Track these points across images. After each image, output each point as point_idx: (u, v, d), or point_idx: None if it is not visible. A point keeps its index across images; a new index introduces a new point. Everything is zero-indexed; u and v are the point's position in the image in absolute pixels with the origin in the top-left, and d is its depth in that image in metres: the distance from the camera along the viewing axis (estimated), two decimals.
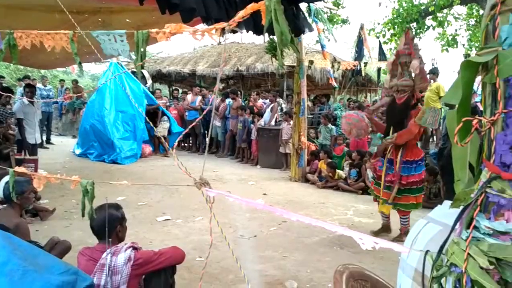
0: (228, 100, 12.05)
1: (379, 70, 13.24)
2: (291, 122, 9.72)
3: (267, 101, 11.73)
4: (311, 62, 11.11)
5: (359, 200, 7.62)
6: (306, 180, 9.15)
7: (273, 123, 10.97)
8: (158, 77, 16.88)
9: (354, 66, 11.93)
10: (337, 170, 8.68)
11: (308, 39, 23.85)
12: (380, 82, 13.71)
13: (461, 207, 1.32)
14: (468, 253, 1.21)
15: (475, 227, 1.23)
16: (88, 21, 5.91)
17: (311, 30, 8.47)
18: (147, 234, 5.14)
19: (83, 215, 2.35)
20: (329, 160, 8.84)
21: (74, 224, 5.42)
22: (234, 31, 5.63)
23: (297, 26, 7.84)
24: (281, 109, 11.21)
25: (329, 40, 13.04)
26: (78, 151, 11.26)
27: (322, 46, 9.50)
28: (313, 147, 9.86)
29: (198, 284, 2.64)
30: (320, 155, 9.19)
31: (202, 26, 3.25)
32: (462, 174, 1.41)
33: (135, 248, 2.70)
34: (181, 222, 5.77)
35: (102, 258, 2.56)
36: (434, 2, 14.05)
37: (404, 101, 4.88)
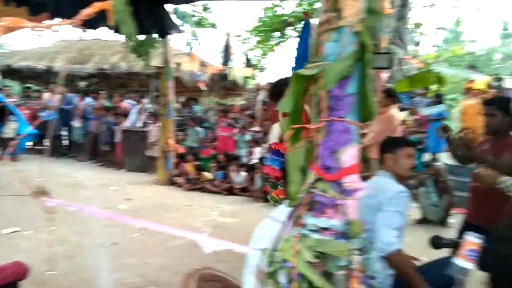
0: (89, 100, 11.33)
1: (245, 76, 13.75)
2: (159, 124, 9.54)
3: (133, 101, 11.33)
4: (178, 64, 11.04)
5: (225, 201, 7.80)
6: (173, 183, 9.05)
7: (140, 124, 10.63)
8: (9, 72, 15.06)
9: (221, 70, 12.21)
10: (204, 172, 8.78)
11: (177, 41, 23.66)
12: (246, 87, 14.24)
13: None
14: (297, 249, 1.33)
15: (303, 225, 1.36)
16: None
17: (178, 32, 8.42)
18: None
19: None
20: (196, 163, 8.89)
21: None
22: (92, 28, 5.32)
23: (163, 27, 7.73)
24: (149, 111, 10.94)
25: (199, 44, 13.14)
26: None
27: (190, 49, 9.52)
28: (181, 150, 9.81)
29: None
30: (187, 158, 9.19)
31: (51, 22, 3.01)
32: (295, 176, 1.54)
33: None
34: (32, 234, 5.24)
35: None
36: (294, 14, 15.12)
37: None
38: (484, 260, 1.09)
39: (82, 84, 14.01)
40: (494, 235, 1.08)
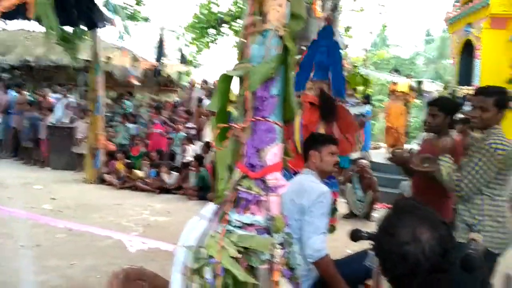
0: (11, 93, 10.61)
1: (180, 72, 13.58)
2: (87, 120, 9.16)
3: (59, 96, 10.77)
4: (108, 58, 10.67)
5: (157, 199, 7.67)
6: (103, 181, 8.74)
7: (66, 120, 10.13)
8: None
9: (154, 66, 11.96)
10: (135, 170, 8.57)
11: (107, 35, 22.79)
12: (180, 83, 14.07)
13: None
14: (222, 245, 1.37)
15: (228, 221, 1.40)
16: None
17: (108, 24, 8.13)
18: None
19: None
20: (127, 161, 8.66)
21: None
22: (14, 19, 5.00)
23: (91, 19, 7.44)
24: (74, 106, 10.46)
25: (131, 38, 12.76)
26: None
27: (122, 43, 9.24)
28: (110, 147, 9.49)
29: None
30: (117, 155, 8.91)
31: None
32: (223, 173, 1.58)
33: None
34: None
35: None
36: (231, 13, 15.17)
37: None
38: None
39: (4, 76, 13.05)
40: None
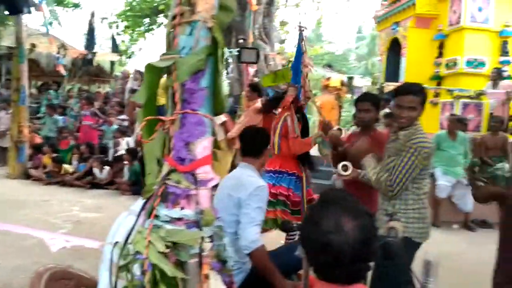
0: None
1: (112, 61, 13.06)
2: (10, 111, 8.57)
3: None
4: (33, 45, 10.02)
5: (87, 195, 7.37)
6: (28, 177, 8.24)
7: None
8: None
9: (84, 54, 11.41)
10: (64, 165, 8.16)
11: (33, 21, 21.43)
12: (112, 73, 13.54)
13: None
14: (149, 240, 1.34)
15: (156, 216, 1.37)
16: None
17: (34, 10, 7.64)
18: None
19: None
20: (55, 154, 8.21)
21: None
22: None
23: (15, 3, 6.95)
24: None
25: (60, 25, 12.08)
26: None
27: (47, 29, 8.72)
28: (36, 140, 8.95)
29: None
30: (44, 149, 8.43)
31: None
32: (152, 167, 1.54)
33: None
34: None
35: None
36: (165, 1, 14.80)
37: None
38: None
39: None
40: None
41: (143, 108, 1.41)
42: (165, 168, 1.42)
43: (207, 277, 1.39)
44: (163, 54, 1.43)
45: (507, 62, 8.71)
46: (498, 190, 2.03)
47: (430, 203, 6.60)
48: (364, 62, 26.00)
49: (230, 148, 6.43)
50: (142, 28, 16.05)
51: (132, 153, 7.75)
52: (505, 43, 8.85)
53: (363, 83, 11.61)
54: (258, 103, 6.40)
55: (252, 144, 2.77)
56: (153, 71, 1.39)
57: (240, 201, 2.51)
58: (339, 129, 3.56)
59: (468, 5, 8.80)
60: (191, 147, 1.39)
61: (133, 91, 10.58)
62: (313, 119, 18.30)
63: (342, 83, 10.40)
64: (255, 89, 6.38)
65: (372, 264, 1.14)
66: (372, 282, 2.57)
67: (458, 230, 6.30)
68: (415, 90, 2.52)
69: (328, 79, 10.44)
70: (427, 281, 1.96)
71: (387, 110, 6.86)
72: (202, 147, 1.40)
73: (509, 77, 8.43)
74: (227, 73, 13.03)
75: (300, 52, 4.56)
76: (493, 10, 8.87)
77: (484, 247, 5.51)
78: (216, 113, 1.47)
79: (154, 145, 1.50)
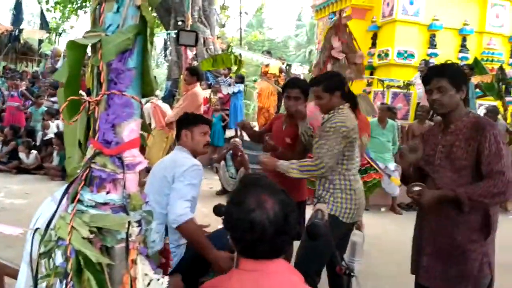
0: None
1: (41, 39, 12.25)
2: None
3: None
4: None
5: (13, 180, 6.96)
6: None
7: None
8: None
9: (10, 30, 10.60)
10: None
11: None
12: (41, 51, 12.72)
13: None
14: (72, 226, 1.28)
15: (80, 201, 1.31)
16: None
17: None
18: None
19: None
20: None
21: None
22: None
23: None
24: None
25: None
26: None
27: None
28: None
29: None
30: None
31: None
32: (72, 151, 1.46)
33: None
34: None
35: None
36: None
37: None
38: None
39: None
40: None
41: (65, 88, 1.34)
42: (90, 151, 1.36)
43: (134, 262, 1.36)
44: (88, 32, 1.36)
45: (435, 55, 9.24)
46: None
47: None
48: (303, 50, 26.45)
49: (168, 132, 6.32)
50: (74, 5, 15.18)
51: (61, 136, 7.38)
52: (433, 36, 9.36)
53: (301, 71, 11.82)
54: (197, 87, 6.32)
55: (176, 129, 2.79)
56: (77, 49, 1.32)
57: (173, 178, 2.50)
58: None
59: None
60: (117, 130, 1.34)
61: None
62: (253, 105, 18.43)
63: (281, 70, 10.54)
64: (194, 73, 6.29)
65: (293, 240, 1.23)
66: (298, 260, 2.65)
67: (385, 212, 6.68)
68: (315, 81, 2.83)
69: (267, 65, 10.53)
70: (352, 260, 2.06)
71: None
72: (129, 129, 1.35)
73: None
74: (165, 56, 12.72)
75: None
76: (424, 4, 9.32)
77: (409, 229, 5.89)
78: (144, 94, 1.43)
79: (76, 127, 1.43)
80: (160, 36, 11.80)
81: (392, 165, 6.64)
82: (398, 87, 8.38)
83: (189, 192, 2.49)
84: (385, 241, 5.19)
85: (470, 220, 2.09)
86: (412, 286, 2.98)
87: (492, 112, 6.84)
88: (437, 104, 2.13)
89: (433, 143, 2.26)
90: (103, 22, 1.34)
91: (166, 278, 1.39)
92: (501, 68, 7.82)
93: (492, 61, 9.43)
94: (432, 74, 2.16)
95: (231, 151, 7.00)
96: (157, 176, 2.63)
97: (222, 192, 6.86)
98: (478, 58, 8.99)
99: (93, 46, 1.36)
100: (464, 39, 9.54)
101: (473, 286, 2.11)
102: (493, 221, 2.11)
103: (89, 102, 1.35)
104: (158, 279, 1.40)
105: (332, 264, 2.48)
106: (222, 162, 6.93)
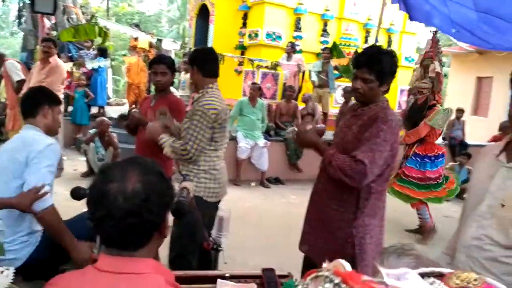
0: None
1: None
2: None
3: None
4: None
5: None
6: None
7: None
8: None
9: None
10: None
11: None
12: None
13: None
14: None
15: None
16: None
17: None
18: None
19: None
20: None
21: None
22: None
23: None
24: None
25: None
26: None
27: None
28: None
29: None
30: None
31: None
32: None
33: None
34: None
35: None
36: None
37: (423, 102, 5.04)
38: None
39: None
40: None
41: None
42: None
43: None
44: None
45: (300, 37, 9.75)
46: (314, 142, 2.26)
47: (233, 164, 7.07)
48: (176, 26, 25.82)
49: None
50: None
51: None
52: (298, 20, 9.85)
53: (172, 47, 11.54)
54: (56, 59, 5.75)
55: (29, 105, 2.53)
56: None
57: (27, 159, 2.26)
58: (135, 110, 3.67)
59: None
60: None
61: None
62: (123, 81, 17.52)
63: (151, 45, 10.16)
64: (54, 44, 5.70)
65: (148, 226, 1.13)
66: (171, 244, 2.64)
67: (255, 187, 6.99)
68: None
69: (136, 39, 10.05)
70: (219, 235, 2.10)
71: None
72: None
73: (300, 51, 9.48)
74: (20, 24, 11.34)
75: None
76: None
77: (277, 202, 6.27)
78: None
79: None
80: (13, 2, 10.44)
81: (261, 142, 6.94)
82: (267, 67, 8.69)
83: (48, 176, 2.29)
84: (255, 214, 5.44)
85: (343, 199, 2.20)
86: (279, 257, 3.19)
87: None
88: (357, 92, 2.19)
89: (343, 121, 2.37)
90: None
91: (12, 269, 1.25)
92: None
93: (349, 45, 10.23)
94: (364, 62, 2.16)
95: (97, 130, 6.58)
96: (5, 159, 2.34)
97: (89, 173, 6.44)
98: (337, 43, 9.74)
99: None
100: (325, 24, 10.18)
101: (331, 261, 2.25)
102: (364, 205, 2.18)
103: None
104: (3, 272, 1.27)
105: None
106: (92, 144, 6.48)
